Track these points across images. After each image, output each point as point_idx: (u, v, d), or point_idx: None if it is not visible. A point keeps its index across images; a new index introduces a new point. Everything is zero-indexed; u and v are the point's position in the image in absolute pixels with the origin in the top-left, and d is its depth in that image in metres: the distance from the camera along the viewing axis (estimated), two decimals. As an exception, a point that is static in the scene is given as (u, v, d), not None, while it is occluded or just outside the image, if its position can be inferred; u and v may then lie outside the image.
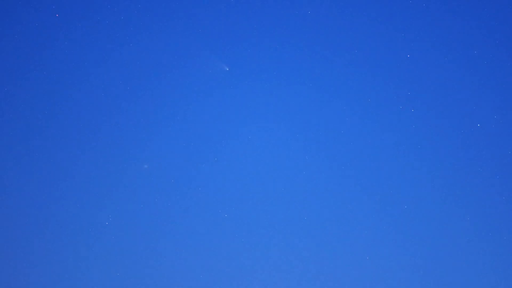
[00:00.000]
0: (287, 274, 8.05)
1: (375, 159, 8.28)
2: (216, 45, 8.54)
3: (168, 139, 8.41)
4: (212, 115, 8.48)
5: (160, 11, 8.63)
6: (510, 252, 7.90)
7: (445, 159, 8.19)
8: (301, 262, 8.07)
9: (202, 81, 8.52)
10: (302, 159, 8.33)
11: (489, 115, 8.19)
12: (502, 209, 8.01)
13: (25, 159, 8.33)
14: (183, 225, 8.20)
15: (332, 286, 7.99)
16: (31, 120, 8.40)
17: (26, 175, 8.30)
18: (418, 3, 8.45)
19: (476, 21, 8.38)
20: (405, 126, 8.29)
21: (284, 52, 8.50)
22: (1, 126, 8.36)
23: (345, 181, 8.25)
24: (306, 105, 8.42)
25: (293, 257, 8.09)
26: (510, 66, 8.25)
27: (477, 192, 8.09)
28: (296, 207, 8.20)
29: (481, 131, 8.17)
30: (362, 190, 8.22)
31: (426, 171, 8.19)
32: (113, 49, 8.55)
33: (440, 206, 8.09)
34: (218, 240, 8.16)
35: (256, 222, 8.18)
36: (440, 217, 8.08)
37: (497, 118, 8.17)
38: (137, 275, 8.08)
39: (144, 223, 8.20)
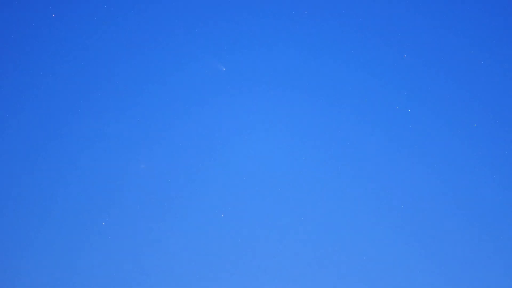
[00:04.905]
0: (286, 274, 8.07)
1: (372, 160, 8.29)
2: (213, 45, 8.55)
3: (165, 139, 8.41)
4: (209, 115, 8.49)
5: (157, 11, 8.64)
6: (509, 252, 7.92)
7: (441, 159, 8.20)
8: (299, 262, 8.09)
9: (199, 81, 8.53)
10: (299, 159, 8.34)
11: (486, 115, 8.21)
12: (499, 208, 8.04)
13: (22, 158, 8.33)
14: (181, 225, 8.21)
15: (330, 286, 8.01)
16: (28, 120, 8.40)
17: (23, 174, 8.30)
18: (415, 3, 8.47)
19: (472, 21, 8.40)
20: (402, 126, 8.30)
21: (281, 52, 8.52)
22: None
23: (342, 181, 8.27)
24: (304, 105, 8.43)
25: (291, 257, 8.10)
26: (507, 65, 8.27)
27: (475, 191, 8.10)
28: (293, 207, 8.22)
29: (478, 131, 8.20)
30: (358, 191, 8.24)
31: (422, 170, 8.20)
32: (109, 49, 8.56)
33: (438, 205, 8.11)
34: (215, 241, 8.17)
35: (254, 222, 8.20)
36: (437, 216, 8.09)
37: (494, 118, 8.19)
38: (134, 275, 8.08)
39: (141, 223, 8.20)
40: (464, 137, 8.19)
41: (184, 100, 8.49)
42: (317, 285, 8.01)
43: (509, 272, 7.87)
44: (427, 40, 8.40)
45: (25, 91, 8.45)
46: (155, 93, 8.50)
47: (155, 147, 8.39)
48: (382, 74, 8.43)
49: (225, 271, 8.09)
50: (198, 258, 8.14)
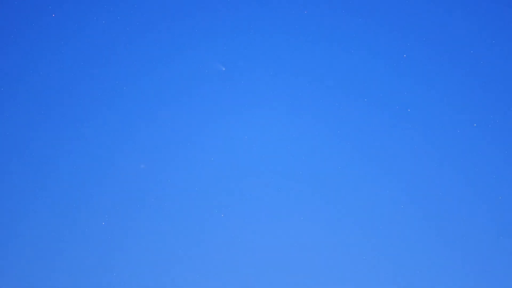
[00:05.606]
0: (286, 274, 8.07)
1: (371, 160, 8.30)
2: (212, 45, 8.54)
3: (165, 139, 8.41)
4: (209, 115, 8.49)
5: (155, 11, 8.64)
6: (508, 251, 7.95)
7: (441, 159, 8.21)
8: (300, 262, 8.09)
9: (198, 81, 8.53)
10: (299, 159, 8.34)
11: (486, 115, 8.22)
12: (498, 208, 8.06)
13: (21, 158, 8.32)
14: (180, 225, 8.21)
15: (330, 286, 8.01)
16: (27, 120, 8.40)
17: (22, 175, 8.29)
18: (415, 3, 8.48)
19: (472, 20, 8.42)
20: (401, 126, 8.31)
21: (281, 52, 8.52)
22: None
23: (342, 181, 8.28)
24: (304, 105, 8.44)
25: (292, 257, 8.10)
26: (507, 65, 8.28)
27: (474, 191, 8.12)
28: (294, 207, 8.22)
29: (478, 131, 8.21)
30: (358, 191, 8.24)
31: (422, 171, 8.20)
32: (108, 49, 8.56)
33: (438, 206, 8.12)
34: (215, 241, 8.16)
35: (254, 222, 8.20)
36: (437, 217, 8.11)
37: (494, 118, 8.21)
38: (134, 274, 8.08)
39: (141, 223, 8.20)
40: (464, 137, 8.21)
41: (184, 100, 8.50)
42: (317, 285, 8.01)
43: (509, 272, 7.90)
44: (427, 40, 8.42)
45: (23, 90, 8.45)
46: (154, 93, 8.50)
47: (155, 147, 8.40)
48: (381, 74, 8.44)
49: (225, 271, 8.09)
50: (198, 258, 8.13)
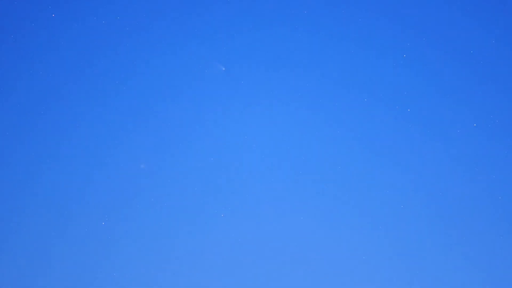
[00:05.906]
0: (286, 274, 8.07)
1: (371, 160, 8.30)
2: (212, 45, 8.55)
3: (165, 139, 8.41)
4: (209, 115, 8.49)
5: (155, 11, 8.64)
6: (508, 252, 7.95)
7: (441, 159, 8.22)
8: (300, 263, 8.09)
9: (198, 81, 8.53)
10: (299, 159, 8.34)
11: (486, 116, 8.23)
12: (498, 209, 8.07)
13: (21, 158, 8.32)
14: (180, 225, 8.20)
15: (330, 286, 8.01)
16: (27, 120, 8.39)
17: (21, 175, 8.29)
18: (415, 3, 8.50)
19: (473, 21, 8.43)
20: (401, 126, 8.32)
21: (281, 52, 8.53)
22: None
23: (342, 181, 8.28)
24: (304, 105, 8.44)
25: (292, 258, 8.11)
26: (507, 65, 8.30)
27: (474, 192, 8.13)
28: (294, 207, 8.22)
29: (478, 131, 8.22)
30: (358, 192, 8.24)
31: (422, 171, 8.21)
32: (108, 48, 8.56)
33: (438, 207, 8.14)
34: (215, 241, 8.16)
35: (254, 222, 8.20)
36: (436, 219, 8.11)
37: (493, 118, 8.21)
38: (134, 275, 8.08)
39: (141, 223, 8.20)
40: (464, 137, 8.22)
41: (184, 100, 8.50)
42: (317, 285, 8.02)
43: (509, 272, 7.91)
44: (426, 40, 8.43)
45: (23, 90, 8.45)
46: (154, 93, 8.50)
47: (155, 147, 8.39)
48: (381, 74, 8.45)
49: (225, 271, 8.09)
50: (197, 258, 8.13)
